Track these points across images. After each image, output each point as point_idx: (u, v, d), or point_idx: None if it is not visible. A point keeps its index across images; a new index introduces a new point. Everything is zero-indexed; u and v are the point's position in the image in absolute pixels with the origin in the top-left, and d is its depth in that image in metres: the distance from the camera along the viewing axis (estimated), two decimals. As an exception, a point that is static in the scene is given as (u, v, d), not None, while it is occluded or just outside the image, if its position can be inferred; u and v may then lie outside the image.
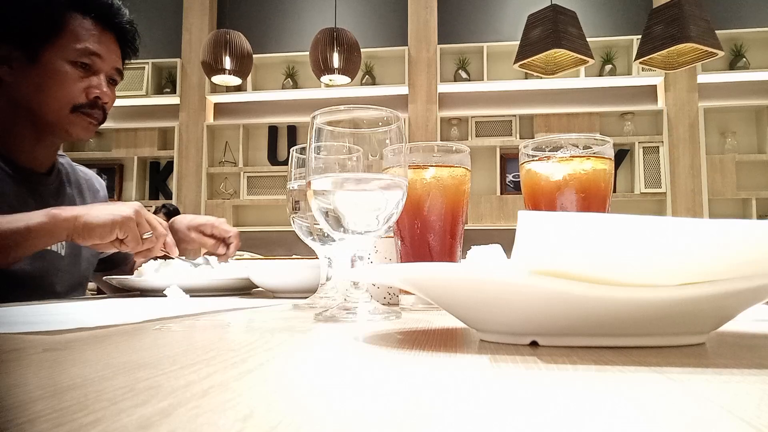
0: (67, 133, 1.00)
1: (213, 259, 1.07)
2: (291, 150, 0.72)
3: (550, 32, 2.70)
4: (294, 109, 4.48)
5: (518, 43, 2.95)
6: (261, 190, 4.45)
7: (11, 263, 0.86)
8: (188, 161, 4.44)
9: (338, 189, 0.50)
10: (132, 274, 1.02)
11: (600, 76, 4.19)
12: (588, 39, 2.88)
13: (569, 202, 0.62)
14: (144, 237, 0.88)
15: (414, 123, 4.25)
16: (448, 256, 0.66)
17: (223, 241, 1.16)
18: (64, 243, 1.06)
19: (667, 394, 0.21)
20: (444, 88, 4.31)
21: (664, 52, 2.65)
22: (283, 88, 4.48)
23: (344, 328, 0.43)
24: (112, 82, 1.04)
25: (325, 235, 0.65)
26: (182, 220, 1.19)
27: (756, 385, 0.22)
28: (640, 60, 2.75)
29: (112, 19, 1.02)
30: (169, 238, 0.94)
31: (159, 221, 0.92)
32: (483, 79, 4.23)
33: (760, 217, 3.83)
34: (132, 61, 1.09)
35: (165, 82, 4.61)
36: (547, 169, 0.63)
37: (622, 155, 4.10)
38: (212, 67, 3.28)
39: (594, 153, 0.62)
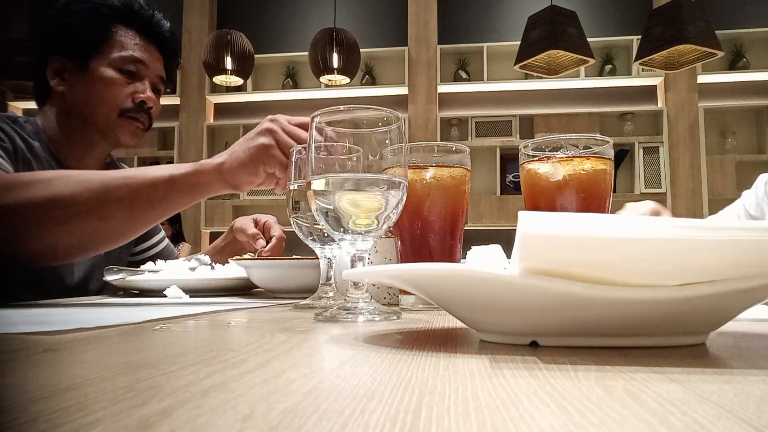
0: (116, 137, 1.06)
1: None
2: (291, 150, 0.72)
3: (547, 33, 2.71)
4: (294, 109, 4.47)
5: (518, 43, 2.96)
6: (261, 190, 4.45)
7: (155, 220, 0.79)
8: (188, 161, 4.43)
9: (338, 189, 0.50)
10: None
11: (600, 76, 4.19)
12: (588, 39, 2.88)
13: (569, 202, 0.62)
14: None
15: (414, 123, 4.24)
16: (448, 256, 0.66)
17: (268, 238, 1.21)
18: None
19: (667, 394, 0.21)
20: (444, 88, 4.31)
21: (665, 52, 2.65)
22: (283, 89, 4.48)
23: (344, 328, 0.43)
24: (156, 91, 1.11)
25: (325, 235, 0.65)
26: (244, 219, 1.26)
27: (756, 385, 0.22)
28: (640, 61, 2.76)
29: (153, 29, 1.10)
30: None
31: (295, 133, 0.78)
32: (483, 80, 4.23)
33: (760, 217, 3.82)
34: None
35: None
36: (547, 169, 0.63)
37: (622, 155, 4.10)
38: (214, 67, 3.29)
39: (594, 153, 0.62)
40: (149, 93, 1.07)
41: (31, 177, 0.75)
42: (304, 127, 0.78)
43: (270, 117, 0.79)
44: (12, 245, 0.73)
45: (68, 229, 0.73)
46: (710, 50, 2.58)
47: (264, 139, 0.76)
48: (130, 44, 1.06)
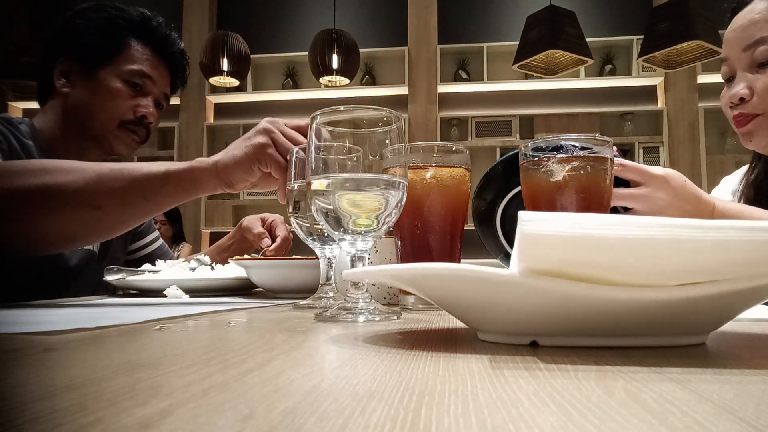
0: (111, 147, 1.07)
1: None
2: (291, 150, 0.72)
3: (546, 33, 2.71)
4: (294, 110, 4.47)
5: (518, 43, 2.96)
6: (261, 190, 4.45)
7: (148, 214, 0.79)
8: (188, 161, 4.44)
9: (338, 189, 0.50)
10: None
11: (600, 76, 4.19)
12: (588, 39, 2.88)
13: (569, 202, 0.62)
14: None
15: (414, 123, 4.24)
16: (448, 256, 0.66)
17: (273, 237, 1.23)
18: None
19: (667, 394, 0.21)
20: (444, 88, 4.31)
21: (664, 51, 2.65)
22: (283, 89, 4.49)
23: (344, 328, 0.43)
24: (158, 106, 1.14)
25: (325, 235, 0.65)
26: (252, 217, 1.28)
27: (756, 385, 0.22)
28: (644, 57, 2.75)
29: (166, 48, 1.12)
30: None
31: (293, 136, 0.77)
32: (483, 80, 4.23)
33: (760, 217, 3.82)
34: None
35: (165, 82, 4.61)
36: (547, 169, 0.63)
37: (622, 155, 4.10)
38: (210, 68, 3.31)
39: (594, 153, 0.62)
40: (151, 109, 1.09)
41: (24, 165, 0.75)
42: (301, 130, 0.79)
43: (268, 118, 0.79)
44: (2, 232, 0.73)
45: (60, 217, 0.72)
46: (716, 48, 2.58)
47: (261, 138, 0.76)
48: (140, 58, 1.07)
